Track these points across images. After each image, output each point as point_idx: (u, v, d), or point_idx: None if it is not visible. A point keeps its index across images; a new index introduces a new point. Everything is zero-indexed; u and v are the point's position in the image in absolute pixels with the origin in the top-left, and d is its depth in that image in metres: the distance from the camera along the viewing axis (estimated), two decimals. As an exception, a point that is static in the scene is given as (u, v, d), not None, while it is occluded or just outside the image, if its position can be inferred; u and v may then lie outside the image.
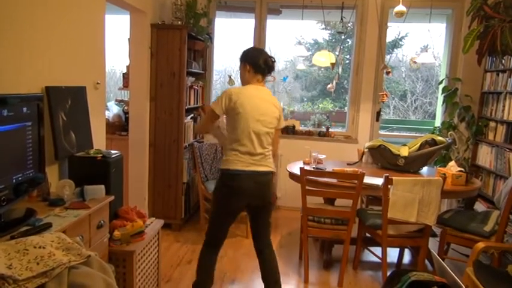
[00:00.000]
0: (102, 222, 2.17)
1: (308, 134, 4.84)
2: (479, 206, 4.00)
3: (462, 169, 3.30)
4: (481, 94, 4.40)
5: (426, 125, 7.10)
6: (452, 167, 3.32)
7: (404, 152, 3.49)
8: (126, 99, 4.36)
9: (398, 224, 2.91)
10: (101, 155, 2.45)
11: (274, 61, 2.49)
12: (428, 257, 3.11)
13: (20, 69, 2.11)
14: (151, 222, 2.70)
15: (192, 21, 3.98)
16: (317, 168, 3.41)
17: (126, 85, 4.16)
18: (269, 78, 4.92)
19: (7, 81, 2.01)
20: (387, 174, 2.86)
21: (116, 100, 4.68)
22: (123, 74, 4.27)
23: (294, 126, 4.85)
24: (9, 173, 1.79)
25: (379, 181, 2.99)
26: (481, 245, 2.51)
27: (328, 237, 3.23)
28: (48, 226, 1.71)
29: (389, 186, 2.84)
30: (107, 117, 4.10)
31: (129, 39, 3.80)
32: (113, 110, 4.46)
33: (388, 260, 3.02)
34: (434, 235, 3.21)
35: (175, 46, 3.75)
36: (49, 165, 2.27)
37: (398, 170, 3.48)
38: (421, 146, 3.50)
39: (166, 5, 4.00)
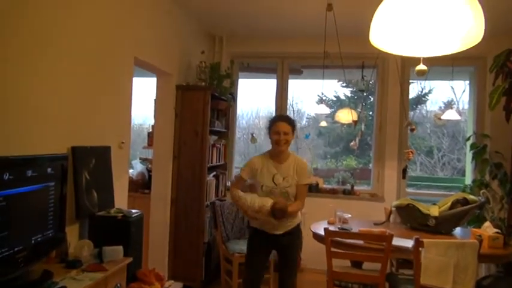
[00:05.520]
0: (118, 285, 2.10)
1: (332, 192, 4.72)
2: (521, 271, 3.68)
3: (499, 230, 3.10)
4: (513, 151, 4.23)
5: (456, 182, 6.85)
6: (488, 228, 3.12)
7: (434, 211, 3.32)
8: (150, 157, 4.42)
9: (433, 291, 2.69)
10: (122, 214, 2.44)
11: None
12: (469, 329, 2.82)
13: (48, 130, 2.18)
14: (170, 286, 2.60)
15: (215, 82, 4.11)
16: (342, 229, 3.27)
17: (150, 144, 4.24)
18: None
19: (35, 142, 2.07)
20: (417, 236, 2.70)
21: (140, 158, 4.76)
22: (148, 133, 4.38)
23: (317, 184, 4.75)
24: (28, 233, 1.78)
25: (409, 243, 2.82)
26: (527, 317, 2.27)
27: (356, 304, 3.01)
28: (62, 291, 1.66)
29: (420, 248, 2.67)
30: (130, 175, 4.15)
31: (155, 100, 3.94)
32: (137, 167, 4.53)
33: (424, 331, 2.76)
34: (473, 304, 2.94)
35: (199, 106, 3.85)
36: (70, 224, 2.26)
37: (429, 231, 3.29)
38: (452, 205, 3.33)
39: (191, 68, 4.17)
